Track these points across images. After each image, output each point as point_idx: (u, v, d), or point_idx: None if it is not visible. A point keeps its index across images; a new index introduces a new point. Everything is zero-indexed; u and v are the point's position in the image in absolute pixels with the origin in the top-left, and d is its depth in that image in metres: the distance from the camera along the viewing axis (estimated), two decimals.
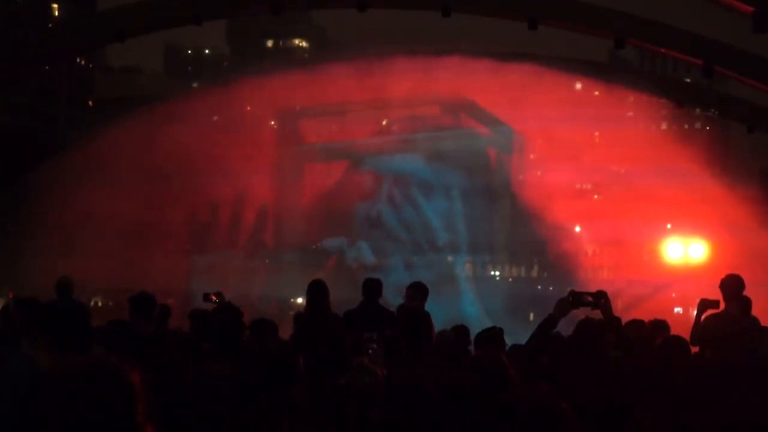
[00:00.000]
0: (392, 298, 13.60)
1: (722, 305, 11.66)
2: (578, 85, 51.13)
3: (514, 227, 55.06)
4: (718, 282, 11.94)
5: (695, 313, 11.95)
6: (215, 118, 51.82)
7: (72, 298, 14.03)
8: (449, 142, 53.74)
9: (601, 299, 8.90)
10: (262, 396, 6.51)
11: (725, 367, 8.71)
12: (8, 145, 62.74)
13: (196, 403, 6.95)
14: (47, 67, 70.70)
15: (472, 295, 51.99)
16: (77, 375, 3.65)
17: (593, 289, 9.15)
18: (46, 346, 9.11)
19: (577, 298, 8.84)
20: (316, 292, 11.75)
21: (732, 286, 11.79)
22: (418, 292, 12.45)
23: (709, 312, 11.70)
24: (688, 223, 47.15)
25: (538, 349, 8.80)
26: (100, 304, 41.86)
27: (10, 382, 7.41)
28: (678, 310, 41.68)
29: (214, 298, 12.26)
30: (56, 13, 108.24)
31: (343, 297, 13.05)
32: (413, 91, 48.74)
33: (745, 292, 11.94)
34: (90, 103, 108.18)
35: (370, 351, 8.54)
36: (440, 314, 11.99)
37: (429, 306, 12.05)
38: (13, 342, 8.41)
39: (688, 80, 54.07)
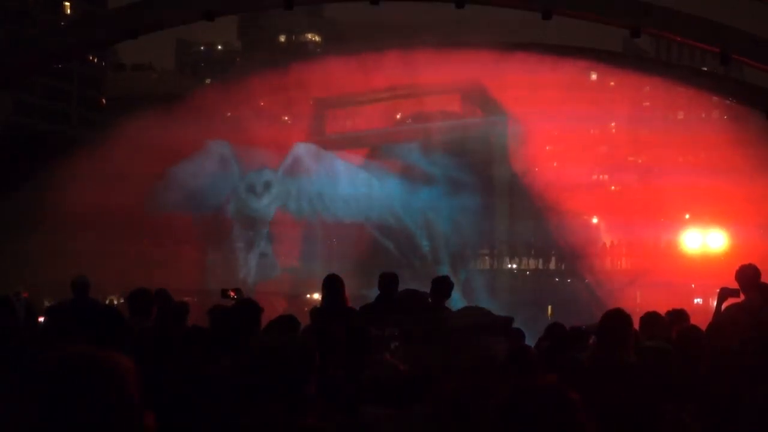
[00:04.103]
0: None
1: (742, 295, 11.52)
2: (594, 76, 50.96)
3: (530, 220, 54.87)
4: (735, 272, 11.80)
5: (715, 303, 11.81)
6: (228, 114, 51.87)
7: (89, 298, 13.99)
8: (459, 133, 53.56)
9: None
10: (280, 390, 6.46)
11: (751, 363, 8.53)
12: (21, 144, 62.89)
13: (214, 398, 6.93)
14: (59, 66, 70.81)
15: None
16: (68, 367, 3.60)
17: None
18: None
19: None
20: (332, 286, 11.64)
21: (749, 275, 11.64)
22: (440, 289, 12.33)
23: (730, 301, 11.55)
24: (707, 213, 46.95)
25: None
26: (116, 302, 41.82)
27: (12, 377, 7.31)
28: (698, 300, 41.48)
29: (232, 294, 12.16)
30: (68, 11, 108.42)
31: None
32: (432, 80, 48.70)
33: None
34: (102, 101, 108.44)
35: (392, 347, 8.44)
36: None
37: None
38: (13, 337, 8.32)
39: (705, 69, 53.82)
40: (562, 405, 4.03)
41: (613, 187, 54.63)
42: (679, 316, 11.85)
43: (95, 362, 3.59)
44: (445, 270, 50.97)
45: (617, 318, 8.25)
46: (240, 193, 54.80)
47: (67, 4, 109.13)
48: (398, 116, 59.16)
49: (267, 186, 54.50)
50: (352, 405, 6.84)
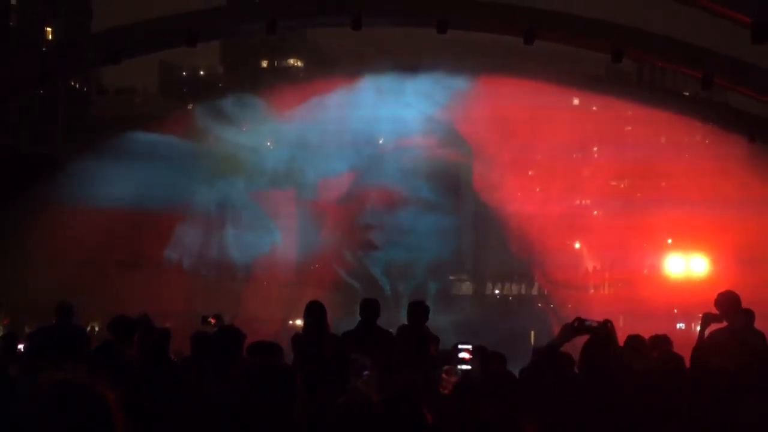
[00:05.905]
0: None
1: (724, 321, 11.48)
2: (576, 101, 51.07)
3: (513, 246, 54.90)
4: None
5: (698, 328, 11.77)
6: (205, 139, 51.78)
7: (72, 323, 13.89)
8: (439, 165, 53.46)
9: (606, 326, 8.76)
10: (262, 415, 6.48)
11: (737, 384, 8.53)
12: (6, 166, 62.54)
13: (198, 422, 6.89)
14: (41, 91, 70.64)
15: None
16: (51, 394, 3.60)
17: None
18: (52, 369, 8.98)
19: (581, 325, 8.68)
20: (315, 312, 11.57)
21: (731, 300, 11.61)
22: (417, 311, 12.30)
23: (713, 326, 11.51)
24: (689, 238, 47.00)
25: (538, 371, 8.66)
26: (97, 328, 41.68)
27: None
28: (680, 325, 41.49)
29: (212, 321, 12.12)
30: (50, 36, 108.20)
31: None
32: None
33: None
34: (86, 125, 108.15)
35: (364, 376, 8.41)
36: None
37: None
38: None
39: (687, 93, 54.11)
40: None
41: (595, 212, 54.70)
42: (661, 341, 11.90)
43: (79, 390, 3.58)
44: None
45: (596, 343, 8.32)
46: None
47: (49, 29, 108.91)
48: (381, 141, 59.23)
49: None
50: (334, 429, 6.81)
